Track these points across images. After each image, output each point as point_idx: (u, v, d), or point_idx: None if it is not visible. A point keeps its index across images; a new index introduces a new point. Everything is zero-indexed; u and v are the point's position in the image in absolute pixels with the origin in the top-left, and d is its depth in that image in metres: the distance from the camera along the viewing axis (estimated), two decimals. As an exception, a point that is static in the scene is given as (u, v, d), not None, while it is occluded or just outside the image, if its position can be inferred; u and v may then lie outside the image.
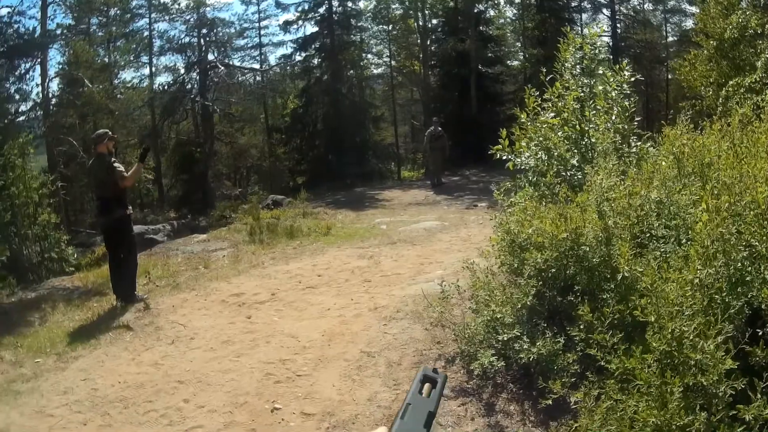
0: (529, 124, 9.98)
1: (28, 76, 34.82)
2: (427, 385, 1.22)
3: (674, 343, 4.98)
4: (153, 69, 43.78)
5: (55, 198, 24.62)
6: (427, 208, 24.33)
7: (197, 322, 11.72)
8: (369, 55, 46.20)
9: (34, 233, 21.14)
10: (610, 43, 41.30)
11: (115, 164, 12.91)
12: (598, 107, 9.64)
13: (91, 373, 10.04)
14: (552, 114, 9.98)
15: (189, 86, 42.64)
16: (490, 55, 42.66)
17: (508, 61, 45.37)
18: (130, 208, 13.68)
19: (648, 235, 7.09)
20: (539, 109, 10.19)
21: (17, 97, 34.52)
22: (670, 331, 4.98)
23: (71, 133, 36.74)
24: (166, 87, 43.24)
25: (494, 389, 7.59)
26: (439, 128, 29.27)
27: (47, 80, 34.17)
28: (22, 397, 9.53)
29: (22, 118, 35.23)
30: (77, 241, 28.71)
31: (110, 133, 14.01)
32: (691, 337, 4.90)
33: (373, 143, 42.86)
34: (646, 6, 45.91)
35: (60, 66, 39.00)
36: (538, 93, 10.08)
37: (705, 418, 4.63)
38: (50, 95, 36.14)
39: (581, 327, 6.17)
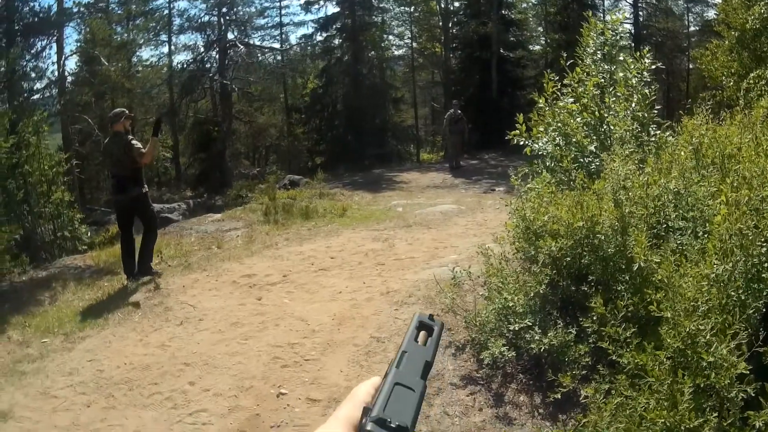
0: (547, 109, 9.85)
1: (44, 54, 34.88)
2: (422, 333, 1.15)
3: (689, 341, 4.86)
4: (172, 47, 43.77)
5: (69, 176, 24.70)
6: (444, 191, 24.27)
7: (207, 303, 11.68)
8: (390, 37, 46.00)
9: (48, 211, 21.22)
10: (632, 31, 41.00)
11: (133, 142, 13.00)
12: (618, 94, 9.46)
13: (98, 354, 10.05)
14: (571, 99, 9.84)
15: (208, 65, 42.65)
16: (511, 39, 42.47)
17: (530, 46, 45.11)
18: (146, 186, 13.74)
19: (665, 226, 6.96)
20: (558, 94, 10.06)
21: (33, 75, 34.55)
22: (685, 329, 4.86)
23: (87, 112, 36.89)
24: (185, 65, 43.31)
25: (504, 379, 7.50)
26: (459, 111, 29.10)
27: (63, 58, 34.17)
28: (27, 378, 9.54)
29: (37, 96, 35.30)
30: (91, 219, 28.86)
31: (127, 112, 14.02)
32: (707, 337, 4.78)
33: (392, 125, 42.74)
34: (669, -6, 45.40)
35: (77, 44, 39.04)
36: (558, 78, 9.93)
37: (716, 422, 4.53)
38: (66, 73, 36.09)
39: (594, 318, 6.00)
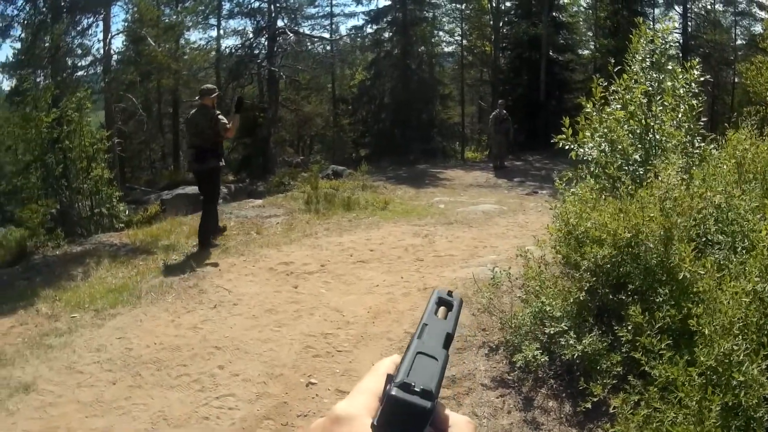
0: (594, 114, 9.70)
1: (90, 32, 34.98)
2: (442, 308, 1.14)
3: (722, 360, 4.84)
4: (221, 32, 44.10)
5: (110, 154, 24.78)
6: (487, 190, 24.20)
7: (243, 288, 11.73)
8: (440, 33, 45.80)
9: (86, 188, 21.32)
10: (680, 41, 40.75)
11: (220, 116, 13.95)
12: (666, 103, 9.36)
13: (128, 332, 10.12)
14: (618, 106, 9.70)
15: (256, 51, 42.61)
16: (561, 41, 42.26)
17: (579, 50, 44.81)
18: (223, 160, 14.94)
19: (704, 240, 6.94)
20: (606, 99, 9.92)
21: (78, 52, 34.66)
22: (720, 348, 4.84)
23: (131, 91, 37.03)
24: (233, 50, 43.50)
25: (535, 383, 7.48)
26: (504, 111, 28.82)
27: (109, 37, 34.24)
28: (53, 352, 9.62)
29: (81, 73, 35.41)
30: (131, 198, 29.26)
31: (217, 89, 15.45)
32: (740, 357, 4.75)
33: (439, 121, 42.49)
34: (717, 6, 45.01)
35: (124, 24, 39.26)
36: (606, 84, 9.81)
37: None
38: (112, 52, 36.22)
39: (629, 328, 5.99)
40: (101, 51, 34.62)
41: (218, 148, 14.24)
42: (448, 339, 1.05)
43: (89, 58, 35.36)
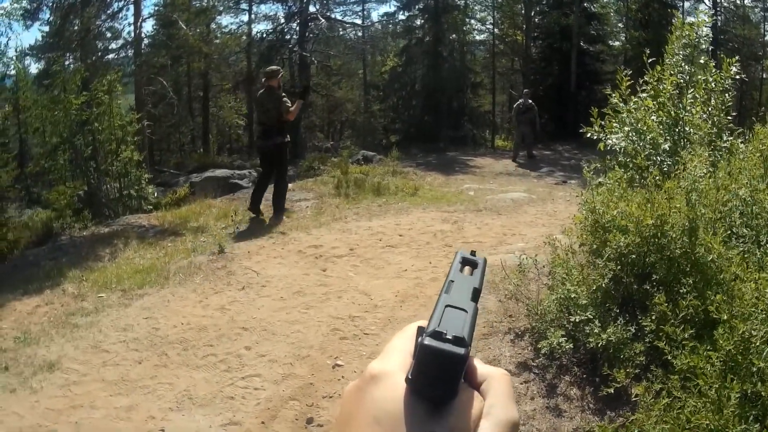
0: (622, 105, 9.74)
1: (120, 15, 35.19)
2: (467, 268, 1.14)
3: (741, 346, 4.90)
4: (252, 16, 44.23)
5: (139, 136, 24.87)
6: (516, 178, 24.13)
7: (271, 270, 11.81)
8: (472, 21, 45.73)
9: (115, 170, 21.50)
10: (711, 35, 40.57)
11: (284, 98, 15.23)
12: (697, 96, 9.38)
13: (155, 312, 10.22)
14: (648, 96, 9.72)
15: (288, 36, 42.86)
16: (592, 32, 41.89)
17: (610, 41, 44.61)
18: (288, 136, 15.98)
19: (728, 233, 6.95)
20: (637, 89, 9.95)
21: (108, 35, 34.78)
22: (740, 332, 4.89)
23: (162, 74, 37.19)
24: (264, 35, 43.76)
25: (558, 370, 7.49)
26: (530, 101, 28.12)
27: (140, 20, 34.37)
28: (79, 331, 9.73)
29: (111, 56, 35.61)
30: (159, 180, 29.42)
31: (282, 71, 16.95)
32: (757, 343, 4.81)
33: (469, 109, 42.46)
34: (746, 1, 44.69)
35: (155, 8, 39.39)
36: (631, 75, 9.79)
37: (758, 430, 4.55)
38: (142, 35, 36.39)
39: (653, 318, 6.10)
40: (132, 34, 34.94)
41: (283, 127, 15.39)
42: (476, 293, 1.05)
43: (120, 42, 35.74)
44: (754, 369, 4.67)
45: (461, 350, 0.90)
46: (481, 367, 1.00)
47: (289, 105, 15.14)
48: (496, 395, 0.95)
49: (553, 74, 41.87)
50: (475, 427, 0.91)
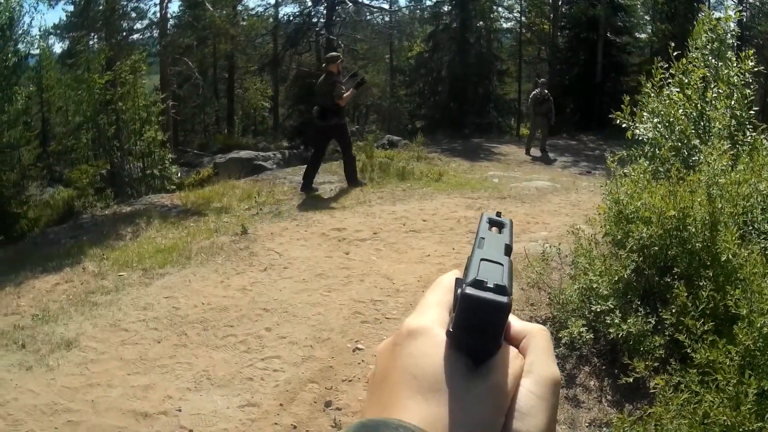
0: (652, 95, 9.73)
1: (146, -5, 35.28)
2: (494, 228, 1.11)
3: (760, 342, 4.90)
4: (279, -1, 43.95)
5: (164, 116, 24.97)
6: (540, 167, 24.09)
7: (294, 252, 11.87)
8: (499, 8, 45.37)
9: (139, 149, 21.67)
10: (737, 30, 40.41)
11: (338, 84, 16.44)
12: (720, 90, 9.34)
13: (175, 291, 10.27)
14: (677, 89, 9.69)
15: (315, 19, 42.91)
16: (619, 23, 41.54)
17: (636, 33, 44.47)
18: (347, 118, 18.03)
19: (751, 228, 6.99)
20: (666, 82, 9.92)
21: (134, 15, 34.90)
22: (758, 326, 4.90)
23: (188, 55, 37.38)
24: (291, 18, 43.92)
25: (578, 361, 7.52)
26: (546, 91, 26.87)
27: (166, 0, 34.41)
28: (98, 309, 9.79)
29: (136, 36, 35.73)
30: (183, 160, 29.70)
31: (340, 57, 18.11)
32: None
33: (495, 97, 42.47)
34: (772, -2, 44.44)
35: (181, -12, 39.50)
36: (667, 66, 9.75)
37: None
38: (168, 16, 36.47)
39: (673, 311, 6.09)
40: (157, 15, 34.96)
41: (340, 110, 16.72)
42: (508, 249, 1.02)
43: (145, 22, 35.73)
44: None
45: (504, 298, 0.86)
46: (518, 324, 0.97)
47: (342, 90, 16.35)
48: (536, 352, 0.92)
49: (579, 64, 41.57)
50: (516, 385, 0.89)
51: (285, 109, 45.88)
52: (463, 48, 40.15)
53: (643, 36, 44.32)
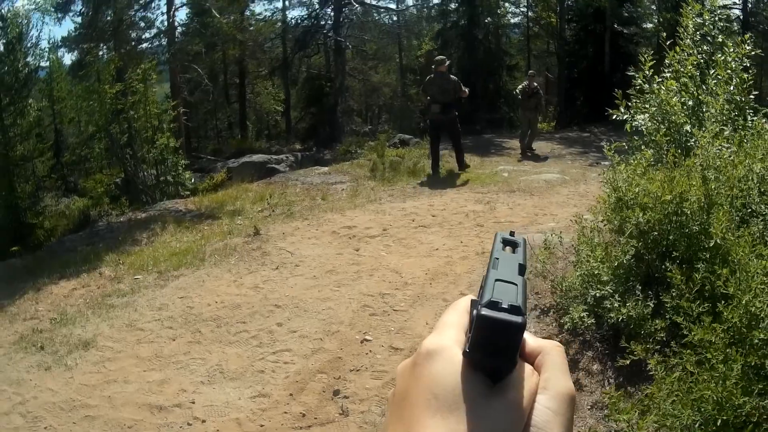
0: (646, 85, 9.79)
1: (153, 5, 35.52)
2: (508, 247, 1.12)
3: (746, 319, 4.93)
4: (286, 2, 44.44)
5: (175, 123, 25.07)
6: (551, 160, 24.06)
7: (305, 250, 12.06)
8: (506, 4, 45.42)
9: (152, 157, 21.82)
10: (740, 17, 40.12)
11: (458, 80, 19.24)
12: (719, 76, 9.35)
13: (190, 291, 10.54)
14: (669, 75, 9.78)
15: (323, 22, 42.90)
16: (625, 14, 41.29)
17: (643, 24, 44.35)
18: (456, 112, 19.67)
19: (749, 210, 7.00)
20: (663, 70, 9.96)
21: (142, 24, 35.05)
22: (743, 303, 4.93)
23: (197, 62, 37.43)
24: (299, 21, 43.97)
25: (581, 346, 7.60)
26: (536, 84, 25.31)
27: (173, 9, 34.69)
28: (114, 311, 10.08)
29: (145, 45, 35.89)
30: (197, 166, 29.77)
31: (447, 59, 20.85)
32: (761, 315, 4.84)
33: (505, 92, 41.84)
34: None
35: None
36: (654, 54, 9.84)
37: (757, 402, 4.56)
38: (176, 24, 36.61)
39: (673, 294, 6.02)
40: (165, 23, 35.09)
41: (456, 103, 19.66)
42: (522, 268, 1.05)
43: (153, 31, 35.86)
44: (756, 341, 4.73)
45: (519, 318, 0.90)
46: (533, 341, 1.01)
47: (461, 85, 19.20)
48: (551, 368, 0.96)
49: (588, 56, 41.29)
50: (533, 401, 0.92)
51: (297, 112, 46.00)
52: (471, 44, 40.24)
53: (649, 26, 44.18)
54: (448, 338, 0.92)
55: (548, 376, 0.93)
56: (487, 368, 0.89)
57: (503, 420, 0.86)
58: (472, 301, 0.97)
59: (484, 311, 0.87)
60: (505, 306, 0.89)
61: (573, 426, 0.92)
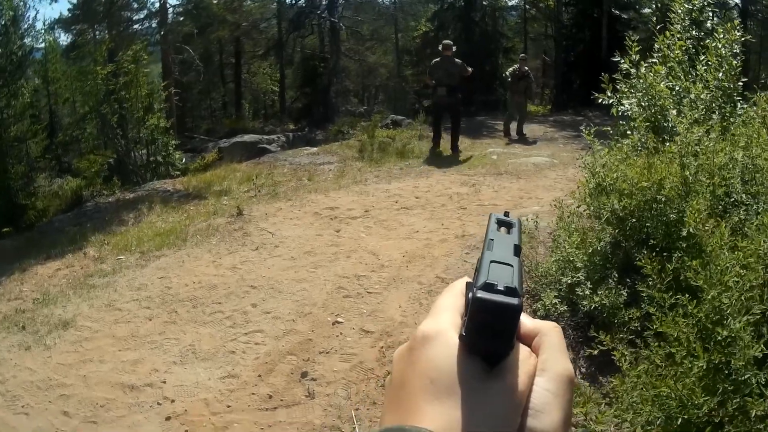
0: (633, 70, 9.78)
1: (145, -14, 35.55)
2: (503, 228, 1.11)
3: (711, 315, 4.80)
4: (280, -17, 44.25)
5: (166, 104, 25.14)
6: (543, 143, 24.05)
7: (286, 231, 12.14)
8: (504, -14, 45.14)
9: (143, 137, 21.79)
10: (740, 5, 40.11)
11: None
12: (709, 62, 9.31)
13: (169, 272, 10.64)
14: (659, 62, 9.78)
15: (317, 2, 42.89)
16: (623, -1, 41.54)
17: (641, 9, 44.29)
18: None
19: (732, 199, 6.89)
20: (650, 55, 10.03)
21: (134, 6, 35.12)
22: (709, 299, 4.81)
23: (189, 43, 37.45)
24: (293, 1, 43.92)
25: None
26: (526, 68, 25.05)
27: (166, -10, 34.62)
28: (95, 291, 10.19)
29: (137, 26, 35.95)
30: (189, 146, 29.87)
31: (454, 45, 20.27)
32: (727, 311, 4.70)
33: (501, 74, 41.16)
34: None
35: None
36: (649, 40, 9.89)
37: (717, 403, 4.44)
38: (168, 5, 36.69)
39: (649, 284, 5.87)
40: (157, 5, 35.12)
41: (461, 85, 20.01)
42: (517, 249, 1.05)
43: (144, 12, 35.88)
44: (719, 338, 4.58)
45: (515, 300, 0.89)
46: (530, 322, 0.99)
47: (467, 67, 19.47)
48: (549, 349, 0.95)
49: (585, 40, 41.35)
50: (531, 384, 0.91)
51: (293, 91, 46.05)
52: (468, 26, 40.29)
53: (647, 11, 44.13)
54: (443, 322, 0.94)
55: (546, 357, 0.94)
56: (483, 351, 0.89)
57: (501, 404, 0.87)
58: (468, 283, 0.99)
59: (480, 294, 0.88)
60: (500, 288, 0.89)
61: (572, 406, 0.93)
